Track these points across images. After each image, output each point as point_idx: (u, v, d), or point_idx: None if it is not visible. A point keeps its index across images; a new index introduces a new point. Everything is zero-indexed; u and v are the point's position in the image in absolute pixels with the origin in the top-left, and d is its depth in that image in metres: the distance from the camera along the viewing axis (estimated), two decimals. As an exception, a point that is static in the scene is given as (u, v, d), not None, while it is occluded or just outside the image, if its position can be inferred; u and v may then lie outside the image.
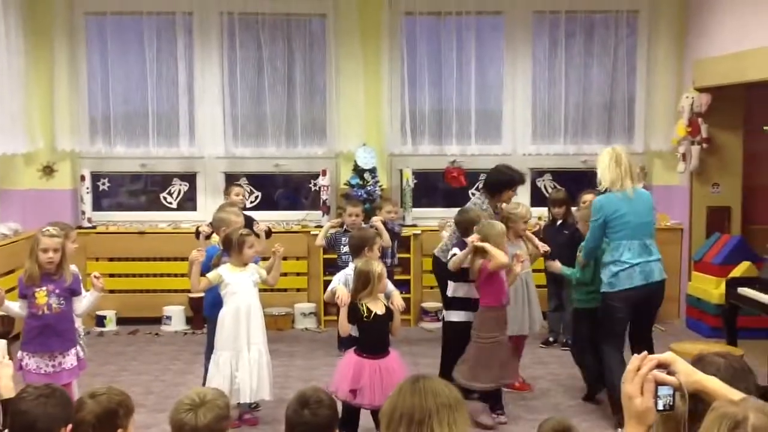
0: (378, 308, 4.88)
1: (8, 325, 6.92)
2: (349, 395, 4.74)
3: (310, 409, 2.97)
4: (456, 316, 5.60)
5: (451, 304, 5.68)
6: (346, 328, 4.88)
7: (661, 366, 2.04)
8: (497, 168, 6.18)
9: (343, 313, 4.89)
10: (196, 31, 8.15)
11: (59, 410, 2.81)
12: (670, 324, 7.98)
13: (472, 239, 5.30)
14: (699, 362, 2.28)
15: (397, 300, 5.02)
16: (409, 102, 8.27)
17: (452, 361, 5.47)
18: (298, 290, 8.17)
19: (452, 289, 5.64)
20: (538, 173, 8.57)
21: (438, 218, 8.24)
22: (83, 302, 4.89)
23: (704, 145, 7.82)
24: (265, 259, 5.78)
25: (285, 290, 8.02)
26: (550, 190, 8.32)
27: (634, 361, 2.05)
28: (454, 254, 5.51)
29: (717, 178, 7.99)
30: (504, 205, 6.06)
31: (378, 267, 4.90)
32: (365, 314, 4.83)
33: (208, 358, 5.42)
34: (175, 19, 8.15)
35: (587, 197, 7.20)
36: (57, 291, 4.72)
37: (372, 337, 4.87)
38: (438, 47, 8.29)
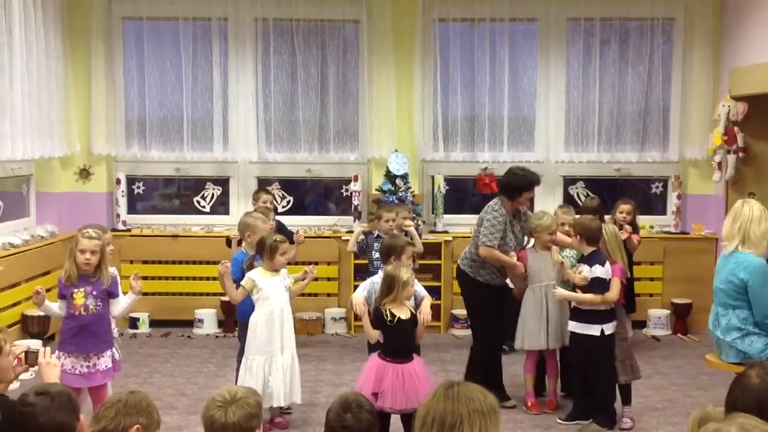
0: (402, 313, 4.87)
1: (43, 326, 7.05)
2: (371, 398, 4.74)
3: (353, 413, 2.98)
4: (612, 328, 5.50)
5: (606, 315, 5.50)
6: (373, 334, 4.90)
7: None
8: (511, 170, 6.03)
9: (365, 321, 4.92)
10: (231, 36, 8.24)
11: (66, 413, 2.82)
12: (703, 335, 7.87)
13: None
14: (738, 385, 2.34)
15: (425, 311, 4.98)
16: (441, 108, 8.28)
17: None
18: (329, 295, 8.20)
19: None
20: (571, 181, 8.52)
21: (470, 225, 8.23)
22: (120, 305, 4.95)
23: (740, 154, 7.73)
24: (295, 264, 5.78)
25: (315, 295, 8.05)
26: (583, 198, 8.26)
27: None
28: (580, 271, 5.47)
29: (753, 188, 7.87)
30: (528, 213, 6.04)
31: (405, 274, 4.90)
32: (389, 319, 4.84)
33: (240, 362, 5.45)
34: (211, 25, 8.24)
35: (624, 207, 7.15)
36: (94, 292, 4.78)
37: (396, 341, 4.86)
38: (471, 54, 8.29)
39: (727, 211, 7.84)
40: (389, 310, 4.85)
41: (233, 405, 2.78)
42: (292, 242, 6.20)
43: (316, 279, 7.65)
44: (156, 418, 2.90)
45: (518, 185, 5.87)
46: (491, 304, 5.96)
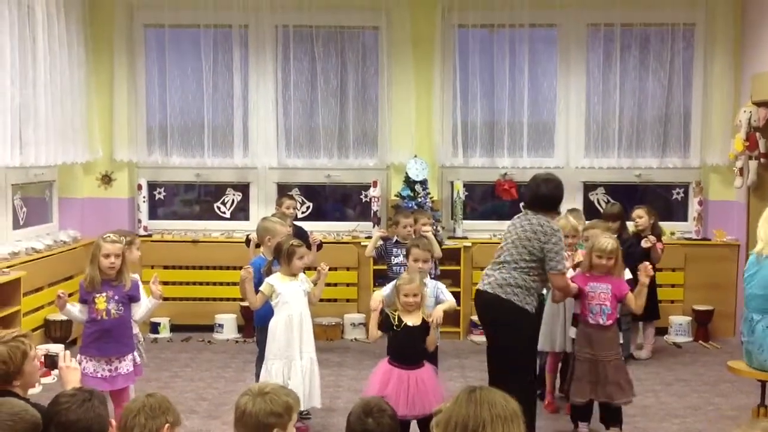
0: (411, 320, 4.87)
1: (66, 330, 7.11)
2: None
3: (374, 417, 3.00)
4: None
5: None
6: (374, 333, 4.95)
7: None
8: (552, 181, 5.20)
9: (373, 317, 4.96)
10: (251, 43, 8.29)
11: (104, 408, 2.90)
12: (725, 341, 7.83)
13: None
14: None
15: (436, 313, 4.93)
16: (460, 114, 8.28)
17: None
18: (348, 301, 8.21)
19: None
20: (591, 187, 8.48)
21: (489, 231, 8.24)
22: (142, 309, 5.00)
23: (762, 160, 7.67)
24: (310, 269, 5.80)
25: (335, 300, 8.07)
26: (603, 204, 8.23)
27: None
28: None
29: (775, 194, 7.83)
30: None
31: (400, 280, 4.92)
32: (395, 324, 4.85)
33: (258, 367, 5.47)
34: (231, 32, 8.30)
35: (639, 212, 7.13)
36: (116, 297, 4.83)
37: (401, 347, 4.87)
38: (490, 60, 8.29)
39: (749, 217, 7.84)
40: (397, 315, 4.86)
41: (259, 397, 2.83)
42: (309, 247, 6.21)
43: (335, 284, 7.76)
44: (177, 415, 2.97)
45: (561, 197, 5.19)
46: (536, 336, 5.30)
